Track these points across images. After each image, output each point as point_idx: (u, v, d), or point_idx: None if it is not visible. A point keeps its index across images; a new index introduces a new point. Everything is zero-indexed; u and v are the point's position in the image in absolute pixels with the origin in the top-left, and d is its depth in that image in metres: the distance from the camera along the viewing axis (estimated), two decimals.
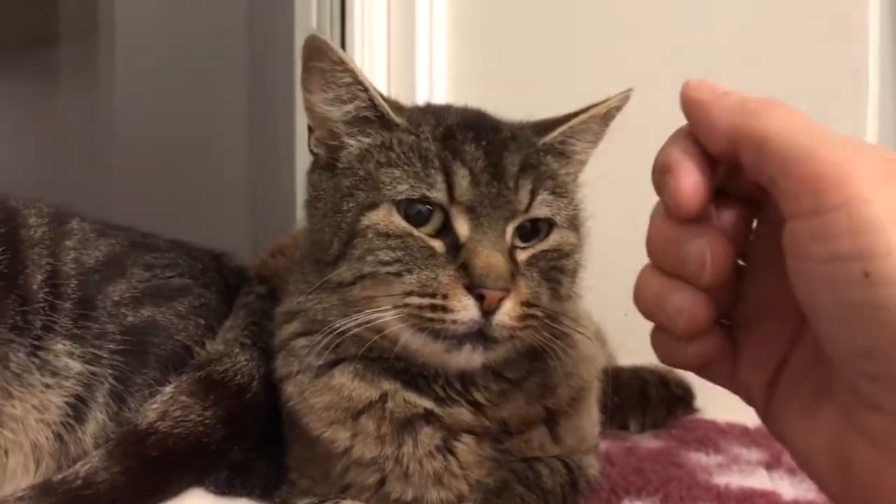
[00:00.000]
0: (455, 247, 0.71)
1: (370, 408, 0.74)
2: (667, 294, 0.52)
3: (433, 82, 1.51)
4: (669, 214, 0.52)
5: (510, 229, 0.72)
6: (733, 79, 0.52)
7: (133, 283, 0.84)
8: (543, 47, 1.47)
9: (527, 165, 0.74)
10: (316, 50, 0.75)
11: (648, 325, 0.57)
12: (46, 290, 0.78)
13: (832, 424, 0.49)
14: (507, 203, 0.72)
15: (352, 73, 0.75)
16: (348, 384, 0.74)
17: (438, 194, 0.71)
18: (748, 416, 1.13)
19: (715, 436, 1.13)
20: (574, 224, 0.78)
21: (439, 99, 1.48)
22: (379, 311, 0.70)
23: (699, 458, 1.02)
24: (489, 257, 0.69)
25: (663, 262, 0.53)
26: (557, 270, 0.75)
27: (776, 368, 0.53)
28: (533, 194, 0.73)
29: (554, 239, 0.75)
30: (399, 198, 0.71)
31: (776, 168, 0.47)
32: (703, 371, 0.56)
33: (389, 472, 0.74)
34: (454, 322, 0.68)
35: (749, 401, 0.56)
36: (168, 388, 0.78)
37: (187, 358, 0.82)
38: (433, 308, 0.68)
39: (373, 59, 1.52)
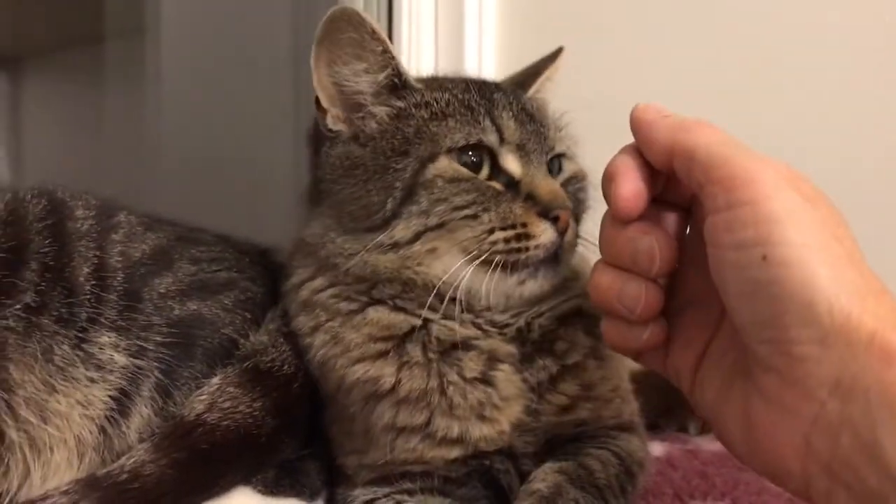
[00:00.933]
0: (510, 184, 0.76)
1: (413, 334, 0.75)
2: (622, 285, 0.62)
3: (482, 62, 1.49)
4: (613, 217, 0.62)
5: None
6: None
7: (179, 277, 0.83)
8: (593, 25, 1.45)
9: (542, 108, 0.85)
10: (347, 21, 0.76)
11: None
12: (93, 282, 0.77)
13: (740, 393, 0.58)
14: (545, 140, 0.80)
15: (383, 42, 0.78)
16: (386, 317, 0.76)
17: (491, 137, 0.77)
18: None
19: None
20: (574, 154, 0.86)
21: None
22: (443, 262, 0.74)
23: None
24: (549, 185, 0.76)
25: (616, 258, 0.63)
26: (582, 191, 0.84)
27: (701, 351, 0.63)
28: (555, 132, 0.82)
29: (569, 168, 0.84)
30: (459, 145, 0.76)
31: (701, 173, 0.57)
32: (641, 356, 0.67)
33: (436, 406, 0.74)
34: (536, 247, 0.73)
35: (678, 381, 0.65)
36: (215, 380, 0.78)
37: (234, 352, 0.81)
38: (518, 238, 0.73)
39: (420, 45, 1.50)
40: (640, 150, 0.62)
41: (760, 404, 0.56)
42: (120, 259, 0.80)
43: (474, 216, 0.74)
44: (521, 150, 0.77)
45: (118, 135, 2.06)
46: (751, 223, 0.54)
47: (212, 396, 0.76)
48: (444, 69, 1.49)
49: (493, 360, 0.76)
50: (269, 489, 0.77)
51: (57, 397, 0.73)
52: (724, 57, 1.34)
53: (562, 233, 0.74)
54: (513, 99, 0.81)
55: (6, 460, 0.71)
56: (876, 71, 1.25)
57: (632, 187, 0.61)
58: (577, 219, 0.80)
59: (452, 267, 0.74)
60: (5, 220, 0.77)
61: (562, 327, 0.78)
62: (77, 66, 2.20)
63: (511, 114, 0.79)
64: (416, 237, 0.74)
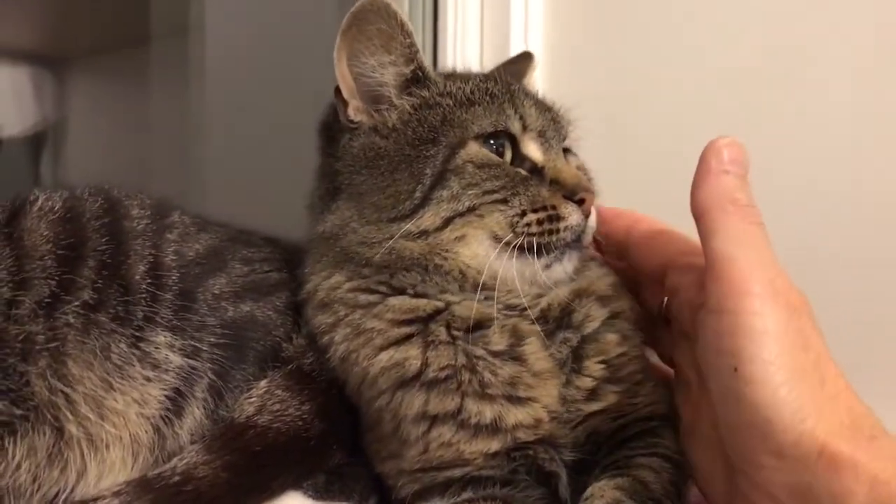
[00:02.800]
0: (533, 170, 0.79)
1: (437, 315, 0.76)
2: None
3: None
4: None
5: None
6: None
7: (232, 278, 0.84)
8: (640, 31, 1.44)
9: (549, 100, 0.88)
10: (377, 13, 0.78)
11: None
12: (148, 280, 0.78)
13: (723, 473, 0.69)
14: (561, 128, 0.84)
15: (411, 35, 0.79)
16: (408, 302, 0.77)
17: (515, 125, 0.79)
18: None
19: None
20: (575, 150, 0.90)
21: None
22: (471, 248, 0.76)
23: None
24: (570, 170, 0.80)
25: None
26: (590, 181, 0.85)
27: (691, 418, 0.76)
28: (567, 123, 0.86)
29: (573, 160, 0.87)
30: (487, 132, 0.78)
31: (709, 258, 0.65)
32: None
33: (466, 386, 0.74)
34: (566, 229, 0.76)
35: None
36: (263, 383, 0.79)
37: (279, 354, 0.82)
38: (550, 219, 0.75)
39: (465, 49, 1.50)
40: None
41: (737, 496, 0.66)
42: (175, 258, 0.81)
43: (504, 200, 0.76)
44: (542, 136, 0.81)
45: (164, 135, 2.08)
46: (730, 333, 0.61)
47: (261, 399, 0.77)
48: (490, 59, 1.50)
49: (518, 336, 0.76)
50: (320, 494, 0.77)
51: (114, 395, 0.73)
52: (784, 54, 1.31)
53: (586, 215, 0.78)
54: (527, 89, 0.86)
55: (65, 456, 0.72)
56: None
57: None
58: None
59: (480, 253, 0.76)
60: (64, 217, 0.79)
61: (577, 300, 0.79)
62: (123, 67, 2.23)
63: (532, 101, 0.82)
64: (446, 223, 0.76)
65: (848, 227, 1.22)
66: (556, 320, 0.78)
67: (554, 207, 0.76)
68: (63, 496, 0.72)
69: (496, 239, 0.76)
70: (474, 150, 0.77)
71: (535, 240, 0.75)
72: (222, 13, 2.00)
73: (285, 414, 0.77)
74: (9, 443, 0.70)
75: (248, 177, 1.86)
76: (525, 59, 1.03)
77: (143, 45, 2.08)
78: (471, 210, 0.76)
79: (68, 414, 0.72)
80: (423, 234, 0.76)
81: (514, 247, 0.75)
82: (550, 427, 0.75)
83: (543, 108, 0.83)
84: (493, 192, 0.76)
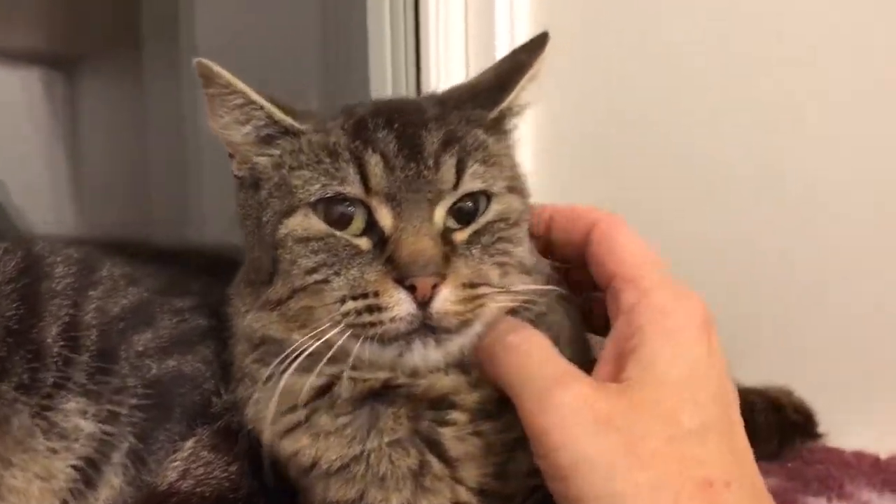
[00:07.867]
0: (382, 241, 0.69)
1: (318, 399, 0.72)
2: None
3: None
4: None
5: (440, 211, 0.71)
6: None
7: (159, 332, 0.84)
8: (627, 37, 1.43)
9: (451, 140, 0.72)
10: (204, 77, 0.75)
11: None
12: (62, 343, 0.78)
13: None
14: (428, 184, 0.70)
15: (242, 93, 0.74)
16: (291, 383, 0.70)
17: (352, 188, 0.70)
18: (880, 446, 1.12)
19: (839, 473, 1.06)
20: (515, 187, 0.77)
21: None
22: (320, 325, 0.68)
23: None
24: (414, 244, 0.67)
25: None
26: (505, 241, 0.73)
27: None
28: (460, 169, 0.71)
29: (495, 209, 0.74)
30: (312, 199, 0.71)
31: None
32: None
33: (361, 477, 0.71)
34: (391, 320, 0.66)
35: None
36: (188, 443, 0.79)
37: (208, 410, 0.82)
38: (369, 310, 0.66)
39: (448, 67, 1.49)
40: None
41: None
42: (95, 315, 0.81)
43: (325, 281, 0.69)
44: (392, 200, 0.69)
45: (157, 135, 2.11)
46: (552, 477, 0.61)
47: (185, 462, 0.77)
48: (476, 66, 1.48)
49: (434, 406, 0.71)
50: None
51: (13, 471, 0.74)
52: (790, 48, 1.28)
53: (423, 302, 0.66)
54: (395, 136, 0.71)
55: None
56: None
57: None
58: (485, 277, 0.70)
59: (327, 332, 0.67)
60: None
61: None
62: (115, 67, 2.26)
63: (380, 156, 0.70)
64: (291, 295, 0.71)
65: (851, 225, 1.22)
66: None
67: (377, 294, 0.66)
68: None
69: (332, 322, 0.68)
70: (295, 221, 0.71)
71: (358, 331, 0.67)
72: (212, 13, 2.02)
73: (210, 477, 0.77)
74: None
75: None
76: (534, 45, 0.82)
77: (134, 46, 2.11)
78: (303, 289, 0.70)
79: None
80: (279, 302, 0.72)
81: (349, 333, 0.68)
82: (473, 499, 0.71)
83: (403, 161, 0.70)
84: (313, 270, 0.69)
